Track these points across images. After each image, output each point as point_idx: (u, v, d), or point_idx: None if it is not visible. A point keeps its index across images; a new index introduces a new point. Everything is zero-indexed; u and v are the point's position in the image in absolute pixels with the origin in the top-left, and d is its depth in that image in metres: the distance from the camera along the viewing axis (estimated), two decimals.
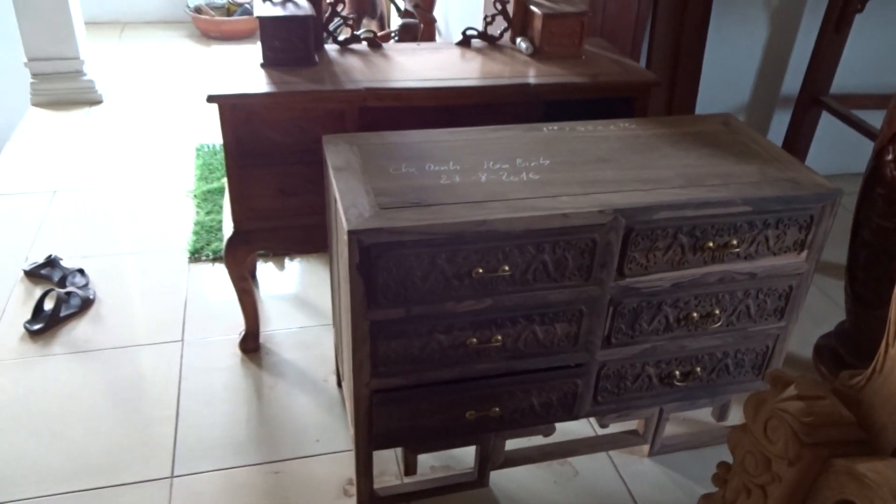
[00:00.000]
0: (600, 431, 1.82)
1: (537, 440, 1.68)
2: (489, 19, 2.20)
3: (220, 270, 2.43)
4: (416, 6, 3.00)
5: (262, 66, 1.90)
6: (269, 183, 1.86)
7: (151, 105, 3.73)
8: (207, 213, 2.71)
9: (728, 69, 2.88)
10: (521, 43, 2.12)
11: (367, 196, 1.39)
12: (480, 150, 1.60)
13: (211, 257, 2.49)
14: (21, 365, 1.99)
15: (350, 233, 1.29)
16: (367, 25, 3.80)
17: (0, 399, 1.88)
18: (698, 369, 1.67)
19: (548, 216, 1.36)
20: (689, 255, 1.49)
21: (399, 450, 1.74)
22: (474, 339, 1.45)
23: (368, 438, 1.53)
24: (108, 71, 4.07)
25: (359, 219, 1.31)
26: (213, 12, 4.87)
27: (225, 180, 2.93)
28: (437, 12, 3.21)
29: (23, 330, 2.10)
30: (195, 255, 2.49)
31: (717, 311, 1.59)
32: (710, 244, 1.48)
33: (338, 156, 1.55)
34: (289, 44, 1.91)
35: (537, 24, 2.10)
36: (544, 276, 1.42)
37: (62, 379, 1.95)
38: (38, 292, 2.24)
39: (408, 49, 2.18)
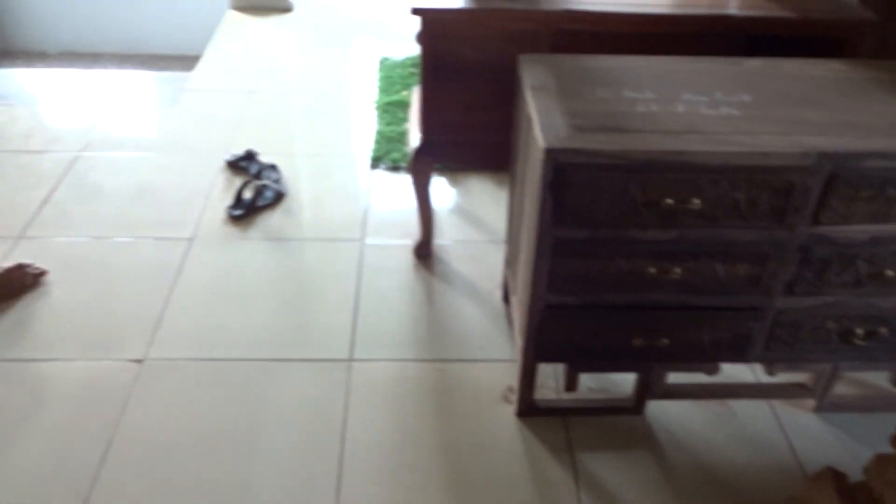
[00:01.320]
0: (765, 379, 1.80)
1: (699, 377, 1.69)
2: None
3: (398, 179, 2.56)
4: None
5: None
6: (459, 97, 1.92)
7: (337, 15, 3.88)
8: (388, 125, 2.83)
9: None
10: None
11: (563, 117, 1.42)
12: (678, 80, 1.57)
13: (390, 166, 2.62)
14: (223, 244, 2.22)
15: (546, 151, 1.33)
16: None
17: (205, 272, 2.12)
18: (883, 329, 1.60)
19: (747, 153, 1.34)
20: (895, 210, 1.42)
21: (561, 366, 1.81)
22: (653, 269, 1.47)
23: (536, 350, 1.60)
24: None
25: (555, 138, 1.35)
26: None
27: (404, 93, 3.05)
28: None
29: (225, 214, 2.33)
30: (375, 163, 2.63)
31: None
32: None
33: (534, 76, 1.58)
34: None
35: None
36: (734, 214, 1.41)
37: (257, 261, 2.17)
38: (238, 182, 2.46)
39: None
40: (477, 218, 2.38)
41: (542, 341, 1.58)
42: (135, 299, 2.01)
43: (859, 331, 1.60)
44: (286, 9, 3.93)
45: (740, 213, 1.41)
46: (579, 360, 1.64)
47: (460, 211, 2.42)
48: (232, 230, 2.28)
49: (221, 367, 1.83)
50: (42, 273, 2.05)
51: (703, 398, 1.78)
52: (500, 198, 2.46)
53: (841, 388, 1.80)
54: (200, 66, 3.31)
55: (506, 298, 2.04)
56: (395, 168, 2.61)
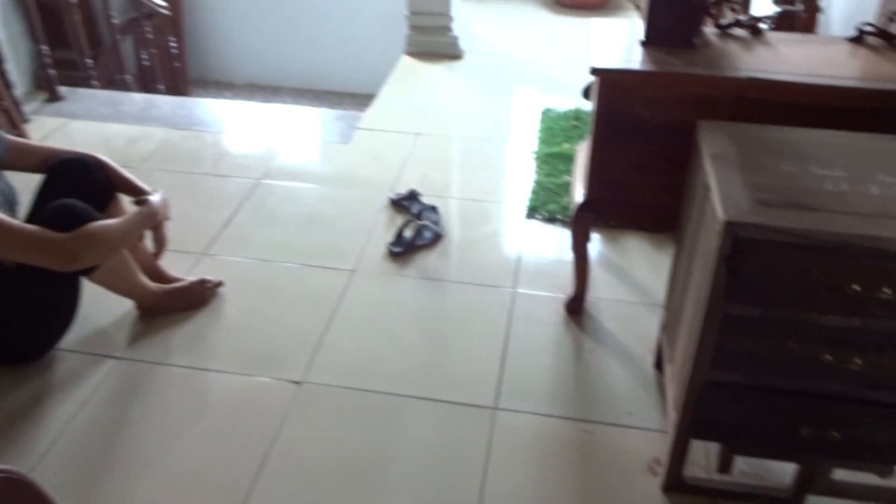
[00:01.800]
0: None
1: (869, 477, 1.56)
2: (892, 15, 2.00)
3: (553, 230, 2.57)
4: None
5: (642, 43, 1.94)
6: (629, 157, 1.91)
7: (504, 64, 3.98)
8: (547, 175, 2.86)
9: None
10: None
11: (744, 189, 1.38)
12: (872, 159, 1.49)
13: (546, 217, 2.64)
14: (382, 279, 2.32)
15: (725, 223, 1.29)
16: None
17: (363, 303, 2.22)
18: None
19: None
20: None
21: (715, 444, 1.73)
22: (829, 356, 1.39)
23: (691, 426, 1.54)
24: (469, 29, 4.41)
25: (736, 211, 1.31)
26: None
27: (566, 146, 3.07)
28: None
29: (385, 250, 2.43)
30: (531, 213, 2.66)
31: None
32: None
33: (714, 143, 1.55)
34: (673, 24, 1.92)
35: None
36: None
37: (411, 298, 2.24)
38: (399, 220, 2.56)
39: (792, 40, 2.07)
40: (631, 278, 2.35)
41: (698, 417, 1.52)
42: (298, 323, 2.13)
43: None
44: (456, 56, 4.09)
45: None
46: (737, 442, 1.56)
47: (614, 269, 2.39)
48: (391, 266, 2.37)
49: (370, 399, 1.90)
50: (219, 284, 2.21)
51: (874, 501, 1.64)
52: (657, 260, 2.41)
53: None
54: (373, 106, 3.50)
55: (658, 365, 1.99)
56: (550, 219, 2.63)
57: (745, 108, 1.81)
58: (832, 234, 1.27)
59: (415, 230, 2.48)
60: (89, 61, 3.82)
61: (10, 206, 1.92)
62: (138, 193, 2.00)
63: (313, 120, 3.49)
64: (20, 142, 1.99)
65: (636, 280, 2.34)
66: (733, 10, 2.33)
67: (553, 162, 2.95)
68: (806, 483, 1.60)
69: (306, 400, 1.89)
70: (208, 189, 2.78)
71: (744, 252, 1.31)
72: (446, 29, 4.11)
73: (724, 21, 2.09)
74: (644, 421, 1.83)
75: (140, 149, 3.05)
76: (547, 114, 3.37)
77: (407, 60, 4.04)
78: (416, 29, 4.13)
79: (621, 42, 1.97)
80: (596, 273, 2.35)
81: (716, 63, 1.85)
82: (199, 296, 2.16)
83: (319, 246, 2.45)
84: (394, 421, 1.84)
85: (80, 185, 1.93)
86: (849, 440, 1.47)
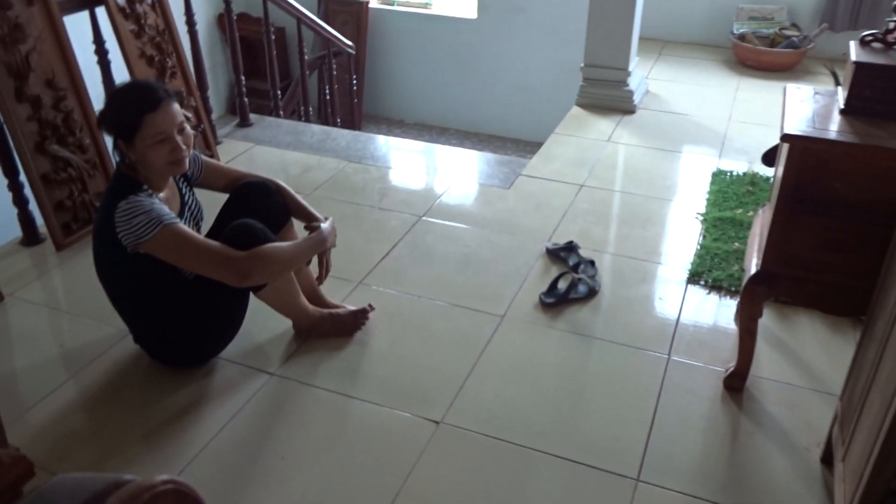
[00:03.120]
0: None
1: None
2: None
3: (716, 298, 2.43)
4: None
5: (843, 111, 1.80)
6: (816, 233, 1.77)
7: (678, 122, 3.87)
8: (714, 240, 2.72)
9: None
10: None
11: None
12: None
13: (710, 283, 2.50)
14: (531, 328, 2.28)
15: None
16: None
17: (509, 351, 2.19)
18: None
19: None
20: None
21: None
22: None
23: None
24: (645, 83, 4.33)
25: None
26: (757, 41, 4.80)
27: (739, 211, 2.91)
28: None
29: (537, 299, 2.40)
30: (694, 277, 2.53)
31: None
32: None
33: None
34: (881, 94, 1.77)
35: None
36: None
37: (559, 352, 2.18)
38: (554, 271, 2.52)
39: None
40: (802, 360, 2.16)
41: None
42: (442, 362, 2.13)
43: None
44: (629, 111, 4.02)
45: None
46: None
47: (782, 347, 2.21)
48: (541, 316, 2.33)
49: (505, 449, 1.85)
50: (371, 309, 2.26)
51: None
52: (833, 344, 2.21)
53: None
54: (539, 154, 3.50)
55: (826, 460, 1.80)
56: (715, 287, 2.48)
57: None
58: None
59: (569, 283, 2.42)
60: (278, 93, 4.11)
61: (197, 222, 2.07)
62: (311, 220, 2.10)
63: (478, 163, 3.54)
64: (213, 163, 2.16)
65: (807, 363, 2.14)
66: None
67: (723, 227, 2.80)
68: None
69: (443, 441, 1.87)
70: (372, 221, 2.88)
71: None
72: (622, 83, 4.06)
73: None
74: None
75: (314, 177, 3.23)
76: (719, 176, 3.22)
77: (577, 111, 4.02)
78: (590, 81, 4.11)
79: (818, 109, 1.84)
80: (761, 350, 2.18)
81: None
82: (352, 324, 2.22)
83: (471, 288, 2.46)
84: (527, 475, 1.78)
85: (260, 207, 2.05)
86: None
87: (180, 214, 1.99)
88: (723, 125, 3.83)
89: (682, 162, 3.43)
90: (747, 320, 1.94)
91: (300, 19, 4.20)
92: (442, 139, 5.87)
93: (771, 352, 2.19)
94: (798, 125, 1.73)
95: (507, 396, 2.02)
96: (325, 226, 2.06)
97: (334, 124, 4.54)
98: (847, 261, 1.75)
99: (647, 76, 4.47)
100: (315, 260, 2.10)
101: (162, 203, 1.88)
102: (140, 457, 1.84)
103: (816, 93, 1.94)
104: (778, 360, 2.16)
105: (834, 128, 1.72)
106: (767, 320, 2.32)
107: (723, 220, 2.84)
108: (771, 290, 1.88)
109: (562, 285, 2.43)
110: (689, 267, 2.58)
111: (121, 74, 2.84)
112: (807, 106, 1.86)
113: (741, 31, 4.89)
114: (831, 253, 1.76)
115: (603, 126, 3.81)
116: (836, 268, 1.77)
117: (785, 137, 1.71)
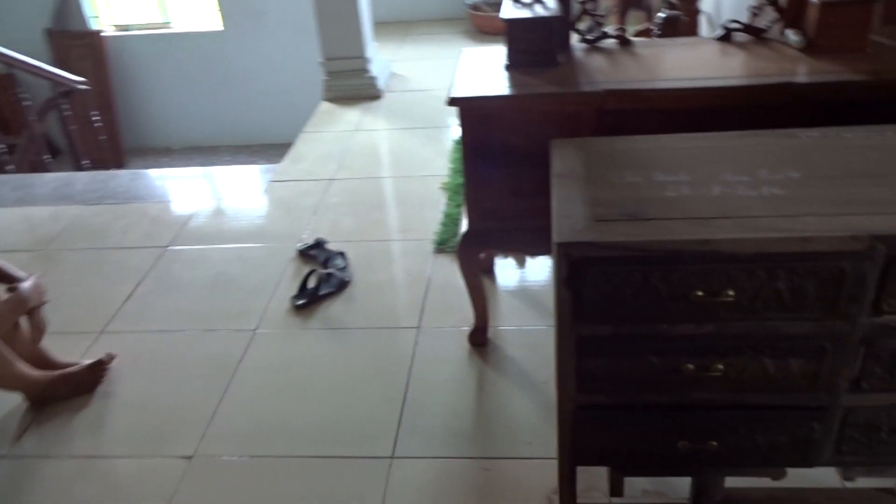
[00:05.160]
0: (847, 484, 1.58)
1: (765, 481, 1.51)
2: (756, 10, 2.00)
3: None
4: None
5: (507, 67, 1.92)
6: (503, 184, 1.88)
7: (423, 99, 3.98)
8: (457, 206, 2.83)
9: None
10: (791, 35, 1.89)
11: (584, 206, 1.34)
12: (719, 158, 1.46)
13: (455, 249, 2.59)
14: (284, 335, 2.26)
15: (558, 245, 1.25)
16: (636, 17, 3.68)
17: (263, 365, 2.16)
18: None
19: (783, 239, 1.20)
20: None
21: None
22: (691, 366, 1.34)
23: (571, 453, 1.49)
24: (389, 67, 4.41)
25: (570, 230, 1.27)
26: (488, 8, 5.04)
27: None
28: (707, 4, 2.98)
29: (289, 304, 2.38)
30: (441, 246, 2.62)
31: None
32: None
33: (563, 162, 1.52)
34: (533, 45, 1.91)
35: (812, 13, 1.85)
36: (777, 306, 1.26)
37: (314, 352, 2.18)
38: (306, 270, 2.51)
39: (661, 45, 2.07)
40: (539, 301, 2.30)
41: (576, 444, 1.46)
42: (193, 394, 2.06)
43: None
44: (375, 96, 4.08)
45: (784, 305, 1.26)
46: (621, 464, 1.50)
47: (523, 294, 2.35)
48: (294, 320, 2.32)
49: (266, 464, 1.83)
50: (111, 359, 2.14)
51: None
52: None
53: None
54: (287, 157, 3.47)
55: None
56: None
57: (608, 121, 1.79)
58: (662, 243, 1.23)
59: (319, 279, 2.43)
60: (1, 146, 3.78)
61: None
62: (10, 281, 1.95)
63: (232, 177, 3.45)
64: None
65: (542, 303, 2.29)
66: (599, 23, 2.33)
67: (463, 192, 2.92)
68: (700, 495, 1.54)
69: (197, 475, 1.81)
70: (113, 263, 2.72)
71: (581, 272, 1.27)
72: (363, 71, 4.11)
73: (591, 35, 2.08)
74: (542, 450, 1.77)
75: (47, 230, 3.00)
76: (459, 143, 3.35)
77: (326, 106, 4.03)
78: (332, 74, 4.13)
79: (488, 69, 1.95)
80: (504, 300, 2.31)
81: (576, 79, 1.84)
82: (90, 379, 2.09)
83: (221, 309, 2.40)
84: (286, 485, 1.77)
85: None
86: (728, 448, 1.42)
87: None
88: None
89: (428, 137, 3.54)
90: (470, 277, 2.03)
91: (10, 64, 3.88)
92: (214, 158, 5.68)
93: (513, 300, 2.32)
94: (463, 87, 1.83)
95: (264, 411, 1.99)
96: (24, 285, 1.92)
97: (81, 167, 4.25)
98: (532, 204, 1.87)
99: (392, 59, 4.55)
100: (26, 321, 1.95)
101: None
102: None
103: (491, 53, 2.06)
104: (519, 307, 2.29)
105: (496, 84, 1.83)
106: (509, 269, 2.45)
107: (462, 185, 2.96)
108: (482, 246, 1.98)
109: (311, 284, 2.43)
110: (436, 237, 2.67)
111: None
112: (479, 67, 1.96)
113: (473, 1, 5.11)
114: (518, 200, 1.88)
115: (351, 116, 3.84)
116: (526, 212, 1.89)
117: (451, 101, 1.79)
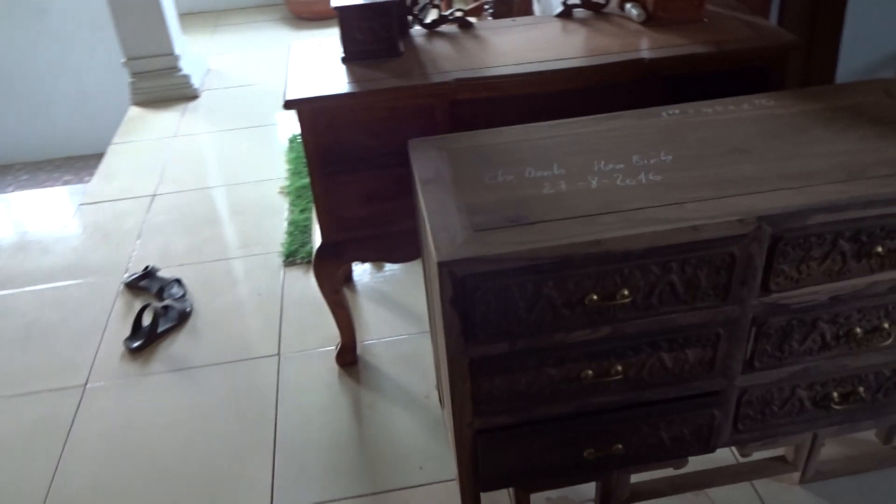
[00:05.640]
0: (742, 459, 1.59)
1: (668, 471, 1.48)
2: None
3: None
4: None
5: (344, 60, 1.74)
6: (357, 190, 1.71)
7: (246, 95, 3.68)
8: (301, 212, 2.62)
9: (875, 22, 2.48)
10: (632, 9, 1.86)
11: (459, 215, 1.21)
12: (589, 147, 1.38)
13: (306, 260, 2.39)
14: (123, 386, 1.96)
15: (440, 265, 1.11)
16: None
17: (102, 424, 1.85)
18: (861, 389, 1.41)
19: (673, 230, 1.14)
20: (852, 264, 1.23)
21: None
22: (590, 372, 1.26)
23: (475, 481, 1.37)
24: (203, 63, 4.05)
25: (450, 246, 1.14)
26: None
27: None
28: None
29: (123, 348, 2.07)
30: (290, 259, 2.40)
31: (887, 325, 1.31)
32: (879, 249, 1.21)
33: (426, 165, 1.37)
34: (371, 35, 1.74)
35: None
36: (672, 299, 1.20)
37: (162, 401, 1.91)
38: (138, 306, 2.21)
39: (501, 27, 1.97)
40: (406, 307, 2.16)
41: (478, 471, 1.35)
42: (17, 475, 1.73)
43: (835, 394, 1.40)
44: (191, 96, 3.72)
45: (679, 297, 1.21)
46: (527, 482, 1.41)
47: (388, 301, 2.20)
48: (131, 366, 2.02)
49: None
50: None
51: (676, 493, 1.56)
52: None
53: (827, 451, 1.60)
54: (99, 173, 3.07)
55: (442, 401, 1.81)
56: (310, 262, 2.38)
57: (462, 112, 1.67)
58: (553, 248, 1.12)
59: (155, 314, 2.13)
60: None
61: None
62: None
63: (34, 203, 3.00)
64: None
65: (409, 308, 2.15)
66: (436, 6, 2.20)
67: (307, 195, 2.71)
68: (607, 498, 1.48)
69: None
70: None
71: (468, 290, 1.14)
72: (174, 69, 3.73)
73: (429, 20, 1.94)
74: (437, 472, 1.65)
75: None
76: (295, 141, 3.12)
77: (136, 111, 3.62)
78: (139, 75, 3.71)
79: (323, 63, 1.76)
80: (367, 310, 2.15)
81: (423, 69, 1.69)
82: None
83: (41, 365, 2.05)
84: None
85: None
86: (633, 447, 1.36)
87: None
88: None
89: (258, 137, 3.26)
90: (330, 295, 1.85)
91: None
92: (8, 179, 5.00)
93: (377, 309, 2.16)
94: (299, 88, 1.63)
95: (107, 480, 1.70)
96: None
97: None
98: (392, 208, 1.72)
99: (205, 54, 4.18)
100: None
101: None
102: None
103: (321, 45, 1.86)
104: (385, 316, 2.14)
105: (335, 81, 1.65)
106: (368, 276, 2.29)
107: (305, 188, 2.75)
108: (340, 259, 1.80)
109: (147, 321, 2.13)
110: (283, 249, 2.44)
111: None
112: (312, 62, 1.77)
113: None
114: (376, 204, 1.72)
115: (167, 121, 3.47)
116: (386, 218, 1.74)
117: (288, 104, 1.59)
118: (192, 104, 3.63)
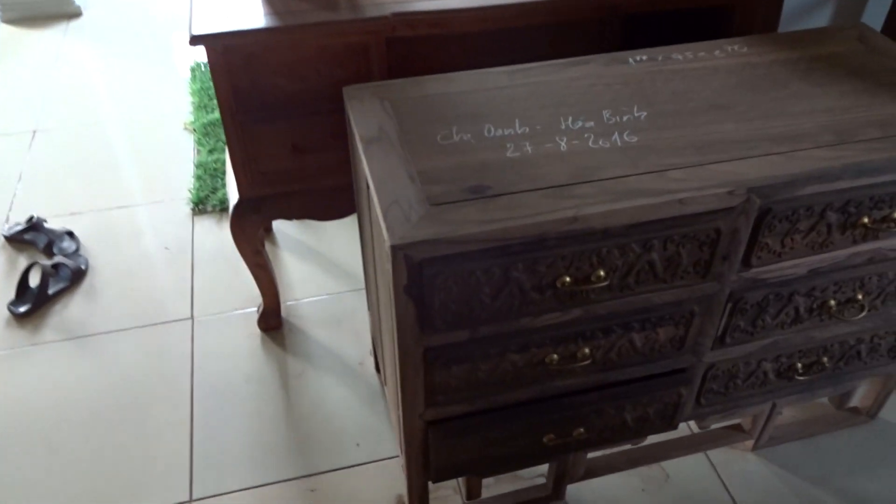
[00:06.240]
0: (697, 430, 1.53)
1: (624, 445, 1.40)
2: None
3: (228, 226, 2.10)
4: None
5: None
6: (280, 140, 1.49)
7: (137, 15, 3.27)
8: (210, 152, 2.35)
9: None
10: None
11: (412, 184, 1.03)
12: (553, 99, 1.22)
13: (218, 208, 2.15)
14: (9, 359, 1.71)
15: (394, 248, 0.94)
16: None
17: None
18: (825, 359, 1.36)
19: (657, 204, 1.00)
20: (836, 235, 1.14)
21: None
22: (555, 356, 1.13)
23: (424, 472, 1.24)
24: None
25: (405, 225, 0.96)
26: None
27: None
28: None
29: (7, 313, 1.81)
30: (199, 206, 2.15)
31: (860, 297, 1.25)
32: (865, 220, 1.13)
33: (367, 119, 1.18)
34: None
35: None
36: (650, 278, 1.08)
37: (57, 375, 1.68)
38: (23, 263, 1.93)
39: None
40: (335, 262, 1.98)
41: (430, 462, 1.22)
42: None
43: (799, 365, 1.35)
44: (74, 14, 3.28)
45: (657, 276, 1.08)
46: (481, 471, 1.29)
47: (314, 256, 2.00)
48: (18, 335, 1.76)
49: None
50: None
51: (631, 467, 1.49)
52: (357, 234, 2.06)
53: (780, 417, 1.56)
54: None
55: (378, 368, 1.67)
56: (224, 210, 2.14)
57: (403, 53, 1.47)
58: (525, 227, 0.97)
59: (44, 273, 1.87)
60: None
61: None
62: None
63: None
64: None
65: (339, 264, 1.97)
66: None
67: (216, 132, 2.43)
68: (562, 475, 1.40)
69: None
70: None
71: (425, 276, 0.98)
72: None
73: None
74: (376, 450, 1.51)
75: None
76: (198, 70, 2.79)
77: (7, 31, 3.16)
78: None
79: None
80: (291, 267, 1.95)
81: (356, 2, 1.46)
82: None
83: None
84: None
85: None
86: (595, 431, 1.27)
87: None
88: (185, 4, 3.34)
89: (156, 64, 2.91)
90: (250, 255, 1.65)
91: None
92: None
93: (302, 265, 1.97)
94: (208, 19, 1.37)
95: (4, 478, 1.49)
96: None
97: None
98: (322, 159, 1.52)
99: None
100: None
101: None
102: None
103: None
104: (311, 272, 1.95)
105: (251, 13, 1.40)
106: (291, 230, 2.08)
107: (214, 125, 2.47)
108: (261, 217, 1.59)
109: (34, 281, 1.86)
110: (191, 195, 2.19)
111: None
112: None
113: None
114: (304, 156, 1.51)
115: (45, 43, 3.05)
116: (316, 171, 1.53)
117: (195, 40, 1.34)
118: (74, 23, 3.20)
